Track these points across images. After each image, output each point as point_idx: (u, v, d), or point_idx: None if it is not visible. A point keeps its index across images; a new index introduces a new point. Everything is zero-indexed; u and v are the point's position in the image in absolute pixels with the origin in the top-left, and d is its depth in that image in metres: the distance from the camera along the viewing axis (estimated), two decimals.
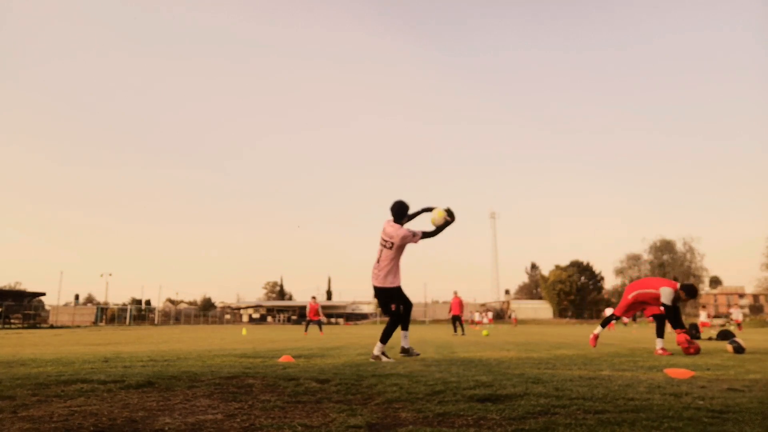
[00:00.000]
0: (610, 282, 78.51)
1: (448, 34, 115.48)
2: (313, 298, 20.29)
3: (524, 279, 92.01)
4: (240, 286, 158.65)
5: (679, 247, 68.76)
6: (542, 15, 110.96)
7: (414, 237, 5.36)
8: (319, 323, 19.81)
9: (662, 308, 6.75)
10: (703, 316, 23.53)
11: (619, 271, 71.98)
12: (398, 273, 5.53)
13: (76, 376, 3.71)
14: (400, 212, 5.53)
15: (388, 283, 5.49)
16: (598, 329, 7.65)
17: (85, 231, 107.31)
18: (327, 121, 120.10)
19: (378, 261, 5.45)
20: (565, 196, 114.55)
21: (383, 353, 5.40)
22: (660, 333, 6.84)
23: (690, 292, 6.57)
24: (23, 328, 31.60)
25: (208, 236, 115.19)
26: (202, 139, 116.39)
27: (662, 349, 6.65)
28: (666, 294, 6.59)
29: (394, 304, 5.52)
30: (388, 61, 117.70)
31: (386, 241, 5.44)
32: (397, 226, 5.46)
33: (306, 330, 19.38)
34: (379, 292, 5.54)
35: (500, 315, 70.80)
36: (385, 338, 5.46)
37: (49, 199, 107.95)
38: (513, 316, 47.16)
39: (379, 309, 5.51)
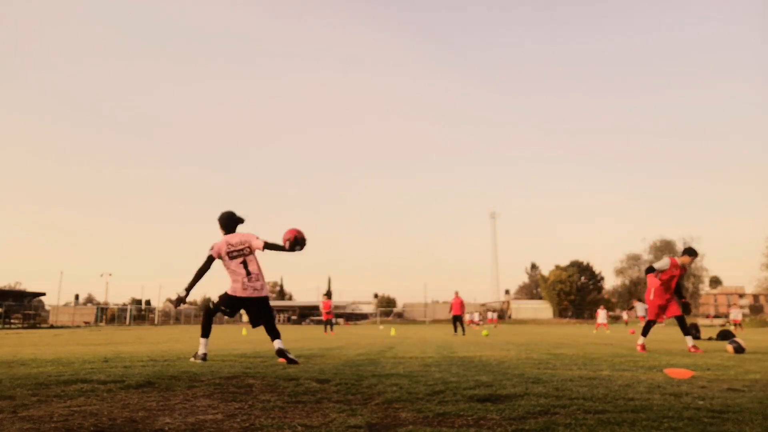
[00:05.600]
0: (610, 282, 78.39)
1: (447, 31, 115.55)
2: (325, 295, 20.94)
3: (524, 279, 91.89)
4: None
5: (679, 247, 68.58)
6: (546, 15, 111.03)
7: (258, 239, 5.15)
8: (329, 322, 20.48)
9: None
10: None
11: (620, 272, 71.87)
12: None
13: (76, 376, 3.71)
14: (230, 223, 5.39)
15: (265, 292, 5.22)
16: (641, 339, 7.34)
17: (85, 231, 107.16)
18: (327, 121, 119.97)
19: (249, 273, 5.09)
20: (565, 195, 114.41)
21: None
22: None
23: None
24: (23, 328, 31.54)
25: (208, 236, 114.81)
26: (202, 139, 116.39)
27: (693, 346, 7.03)
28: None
29: (262, 315, 5.21)
30: (387, 60, 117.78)
31: (242, 248, 5.15)
32: (242, 232, 5.32)
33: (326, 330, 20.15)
34: (254, 303, 5.17)
35: (501, 315, 70.63)
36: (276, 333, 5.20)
37: (49, 199, 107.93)
38: (489, 317, 44.36)
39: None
